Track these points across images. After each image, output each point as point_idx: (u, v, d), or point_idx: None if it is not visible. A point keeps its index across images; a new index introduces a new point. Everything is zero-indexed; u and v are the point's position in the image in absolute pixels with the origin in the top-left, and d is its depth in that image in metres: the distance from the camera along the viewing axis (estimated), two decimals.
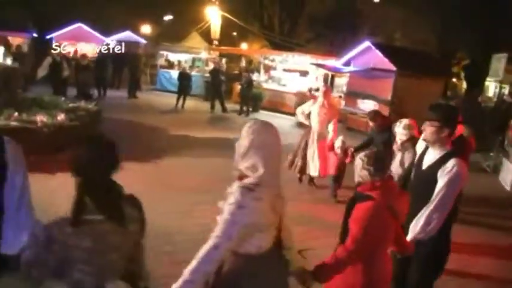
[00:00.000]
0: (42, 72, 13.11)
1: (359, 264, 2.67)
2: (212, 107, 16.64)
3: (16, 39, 21.56)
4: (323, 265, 2.61)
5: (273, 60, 20.25)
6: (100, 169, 2.00)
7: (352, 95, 16.24)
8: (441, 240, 3.29)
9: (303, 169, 7.90)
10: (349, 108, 15.78)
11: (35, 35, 23.25)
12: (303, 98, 15.88)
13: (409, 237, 3.15)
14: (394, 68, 14.27)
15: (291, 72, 19.61)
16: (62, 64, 14.10)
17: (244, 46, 34.29)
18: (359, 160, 2.84)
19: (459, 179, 3.13)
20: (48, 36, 25.15)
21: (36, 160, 6.34)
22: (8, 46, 14.64)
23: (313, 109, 7.80)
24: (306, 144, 7.82)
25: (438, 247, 3.30)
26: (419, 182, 3.36)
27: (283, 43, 25.60)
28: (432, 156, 3.27)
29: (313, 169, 7.77)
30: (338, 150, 6.96)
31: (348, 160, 6.72)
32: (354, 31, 27.57)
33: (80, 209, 1.90)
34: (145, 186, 6.41)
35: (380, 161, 2.81)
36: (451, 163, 3.13)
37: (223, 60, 22.50)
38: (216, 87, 16.92)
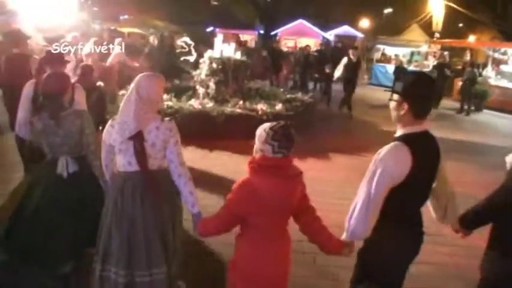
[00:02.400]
0: (337, 73, 12.56)
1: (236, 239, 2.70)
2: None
3: (245, 36, 23.80)
4: (205, 218, 2.81)
5: (504, 53, 18.00)
6: (48, 94, 3.44)
7: None
8: (380, 248, 2.60)
9: None
10: None
11: (261, 31, 25.37)
12: None
13: (342, 237, 2.68)
14: None
15: None
16: (360, 64, 12.84)
17: (471, 39, 31.41)
18: (263, 132, 2.51)
19: (383, 167, 2.43)
20: (272, 33, 27.18)
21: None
22: (238, 42, 16.15)
23: None
24: None
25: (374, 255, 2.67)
26: None
27: None
28: None
29: None
30: None
31: None
32: None
33: (38, 109, 3.64)
34: (347, 179, 6.42)
35: (290, 140, 2.49)
36: (386, 147, 2.51)
37: (446, 53, 20.96)
38: (440, 83, 15.71)
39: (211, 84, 9.71)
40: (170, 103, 8.87)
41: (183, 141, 2.95)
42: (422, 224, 2.71)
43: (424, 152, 2.51)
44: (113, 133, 2.94)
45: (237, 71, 10.03)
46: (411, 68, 19.53)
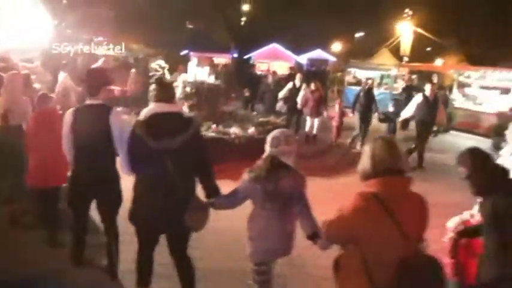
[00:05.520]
0: (406, 112, 10.45)
1: None
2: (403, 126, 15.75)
3: (219, 59, 24.07)
4: None
5: (468, 77, 18.70)
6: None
7: None
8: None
9: None
10: None
11: (235, 55, 25.68)
12: (505, 118, 14.33)
13: None
14: None
15: (489, 89, 17.82)
16: (438, 103, 10.27)
17: (438, 62, 32.46)
18: None
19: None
20: (246, 56, 27.56)
21: (226, 167, 7.03)
22: (212, 66, 16.35)
23: None
24: None
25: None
26: None
27: (484, 58, 23.52)
28: None
29: None
30: None
31: None
32: None
33: None
34: (311, 197, 6.63)
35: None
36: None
37: (414, 77, 21.61)
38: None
39: (185, 108, 9.84)
40: None
41: None
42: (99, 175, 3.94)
43: (83, 117, 3.92)
44: None
45: (211, 95, 10.20)
46: (382, 90, 20.05)
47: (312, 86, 11.89)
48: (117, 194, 4.09)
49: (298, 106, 11.92)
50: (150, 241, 3.68)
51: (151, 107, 3.44)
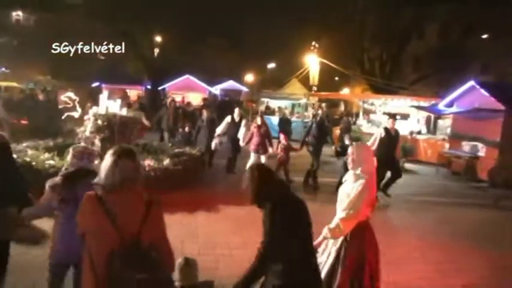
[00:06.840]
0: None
1: None
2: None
3: (133, 91, 23.74)
4: None
5: (372, 104, 20.07)
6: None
7: (456, 137, 15.48)
8: None
9: None
10: (454, 151, 15.03)
11: (148, 86, 25.48)
12: (404, 141, 15.49)
13: None
14: (503, 108, 13.39)
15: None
16: (398, 138, 10.33)
17: (346, 91, 34.40)
18: None
19: None
20: (160, 88, 27.41)
21: None
22: (125, 98, 16.07)
23: None
24: None
25: None
26: None
27: (385, 87, 25.31)
28: None
29: None
30: None
31: None
32: (461, 70, 26.30)
33: None
34: (237, 229, 6.80)
35: None
36: None
37: (323, 105, 22.76)
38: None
39: (97, 142, 9.55)
40: (52, 162, 8.52)
41: None
42: None
43: None
44: None
45: (124, 128, 9.99)
46: (294, 118, 20.85)
47: (258, 121, 11.02)
48: None
49: (241, 143, 11.38)
50: None
51: None
